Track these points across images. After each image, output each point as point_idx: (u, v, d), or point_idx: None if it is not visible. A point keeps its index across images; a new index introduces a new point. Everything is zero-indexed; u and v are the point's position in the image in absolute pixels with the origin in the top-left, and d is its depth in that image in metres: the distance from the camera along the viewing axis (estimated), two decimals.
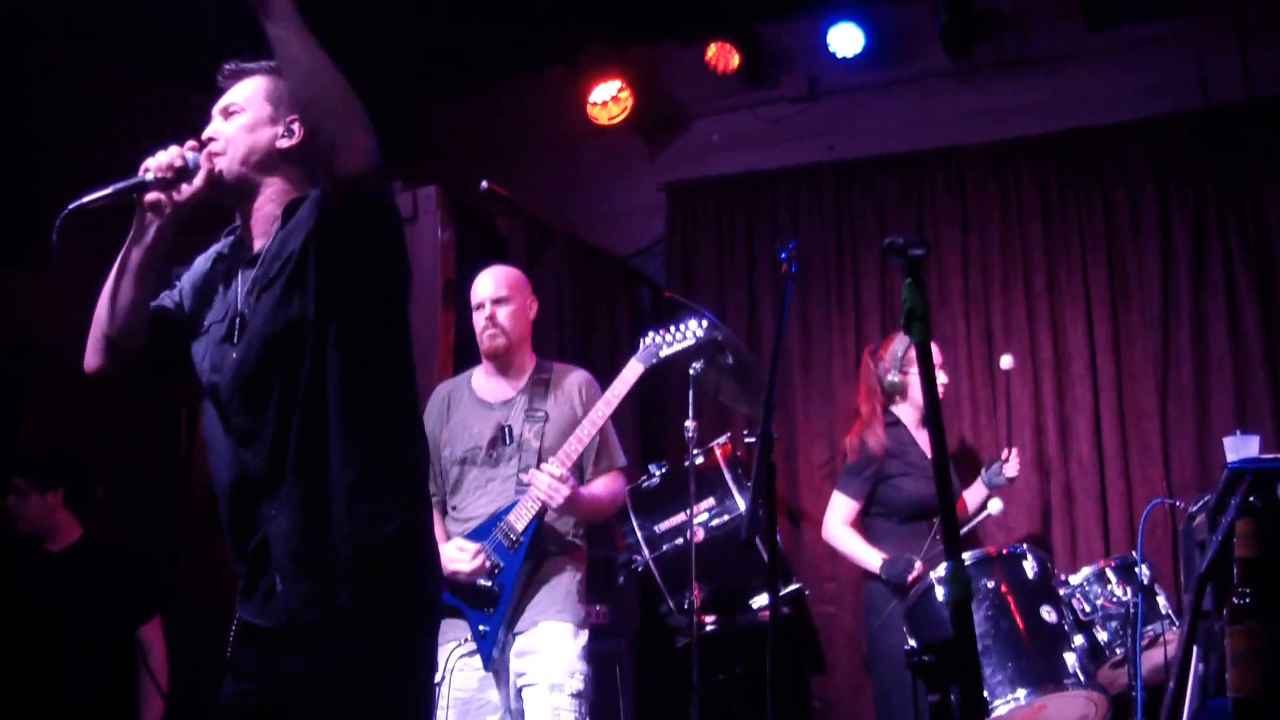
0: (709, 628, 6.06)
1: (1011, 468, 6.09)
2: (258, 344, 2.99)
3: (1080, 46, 7.16)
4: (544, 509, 4.63)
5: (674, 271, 7.98)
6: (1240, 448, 5.01)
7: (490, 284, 4.99)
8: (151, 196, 3.03)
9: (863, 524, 5.94)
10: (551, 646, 4.60)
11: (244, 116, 3.13)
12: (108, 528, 6.73)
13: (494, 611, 4.59)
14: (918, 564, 5.48)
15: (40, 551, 5.43)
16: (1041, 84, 7.27)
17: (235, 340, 3.04)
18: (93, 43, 6.99)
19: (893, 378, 5.98)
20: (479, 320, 4.97)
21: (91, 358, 3.17)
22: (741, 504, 6.02)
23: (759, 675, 6.23)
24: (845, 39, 7.46)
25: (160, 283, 3.24)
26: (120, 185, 3.01)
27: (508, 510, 4.67)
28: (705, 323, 4.97)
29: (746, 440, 6.26)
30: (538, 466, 4.67)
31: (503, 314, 4.93)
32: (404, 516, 3.00)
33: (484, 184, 6.12)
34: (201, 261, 3.33)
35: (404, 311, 3.13)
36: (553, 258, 7.23)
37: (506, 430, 4.81)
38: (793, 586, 6.25)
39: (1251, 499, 3.81)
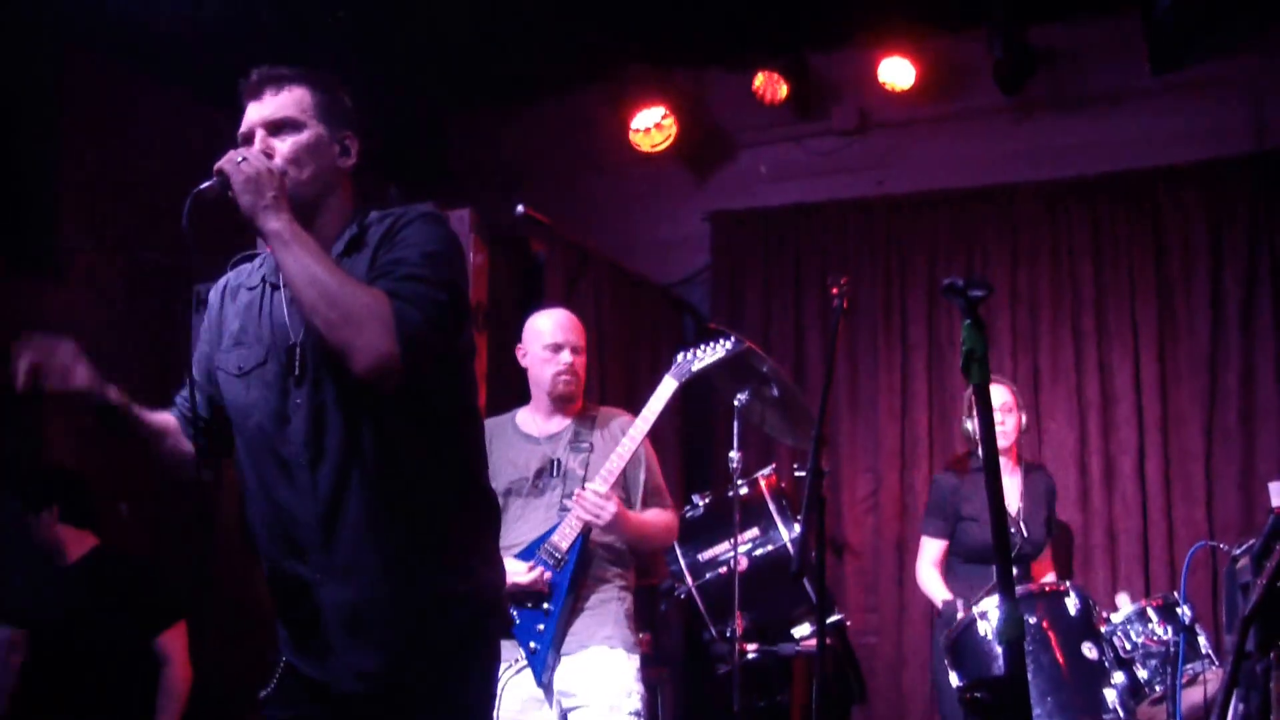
0: (750, 655, 6.10)
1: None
2: (328, 376, 2.87)
3: (1136, 87, 7.11)
4: (589, 527, 4.59)
5: (719, 302, 7.98)
6: None
7: (570, 330, 4.90)
8: None
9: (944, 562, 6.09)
10: (606, 670, 4.57)
11: (305, 134, 2.95)
12: (135, 545, 6.74)
13: (544, 629, 4.56)
14: (960, 609, 5.52)
15: (53, 567, 5.37)
16: (1094, 123, 7.24)
17: (298, 373, 2.91)
18: (104, 52, 6.87)
19: (967, 424, 6.09)
20: (555, 363, 4.82)
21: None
22: (785, 534, 6.07)
23: (800, 704, 6.27)
24: (896, 72, 7.37)
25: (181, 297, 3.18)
26: (212, 189, 2.81)
27: (550, 532, 4.63)
28: (734, 338, 4.95)
29: (796, 474, 6.30)
30: (576, 491, 4.66)
31: (579, 363, 4.86)
32: (476, 580, 3.00)
33: (520, 207, 6.05)
34: (218, 293, 3.20)
35: (471, 364, 3.11)
36: (591, 285, 7.22)
37: (555, 462, 4.76)
38: (835, 617, 6.29)
39: None
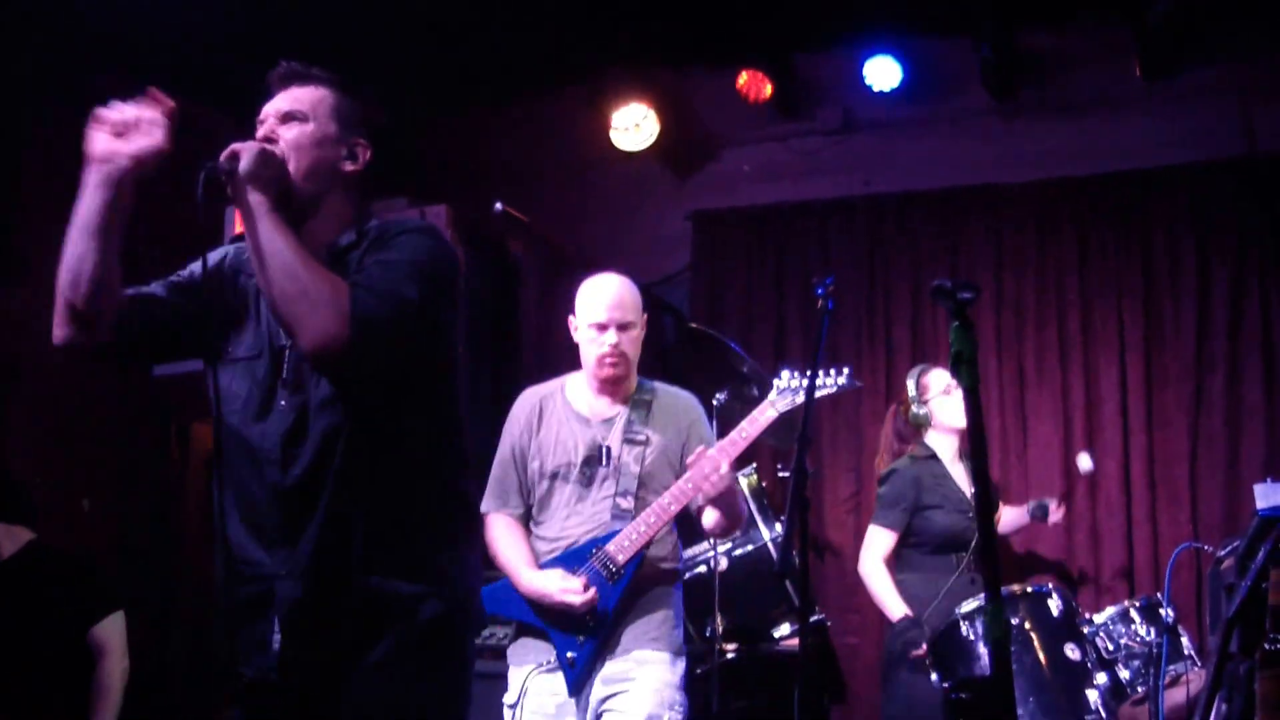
0: (730, 656, 6.09)
1: (1056, 516, 6.18)
2: (311, 382, 2.90)
3: (1125, 91, 7.10)
4: (649, 543, 4.30)
5: (699, 302, 7.93)
6: (1270, 495, 5.00)
7: (617, 304, 4.44)
8: (105, 146, 2.82)
9: (895, 553, 5.92)
10: (646, 677, 4.25)
11: (309, 127, 2.99)
12: (98, 540, 6.67)
13: (585, 641, 4.27)
14: (924, 647, 5.46)
15: None
16: (1082, 126, 7.23)
17: (285, 375, 2.94)
18: (70, 53, 6.77)
19: (916, 409, 6.01)
20: (599, 344, 4.40)
21: (57, 327, 2.91)
22: (766, 534, 6.06)
23: (779, 704, 6.25)
24: (882, 72, 7.33)
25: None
26: (220, 166, 2.82)
27: (606, 539, 4.30)
28: (849, 372, 4.65)
29: (780, 475, 6.28)
30: (636, 494, 4.33)
31: (627, 339, 4.41)
32: (448, 595, 2.96)
33: (498, 205, 6.00)
34: (234, 257, 3.15)
35: (454, 378, 3.10)
36: (569, 284, 7.18)
37: (604, 450, 4.40)
38: (816, 617, 6.28)
39: None
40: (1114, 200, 7.11)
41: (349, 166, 3.05)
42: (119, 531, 6.99)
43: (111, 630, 5.23)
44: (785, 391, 4.52)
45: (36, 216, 6.77)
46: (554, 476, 4.44)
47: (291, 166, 2.93)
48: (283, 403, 2.91)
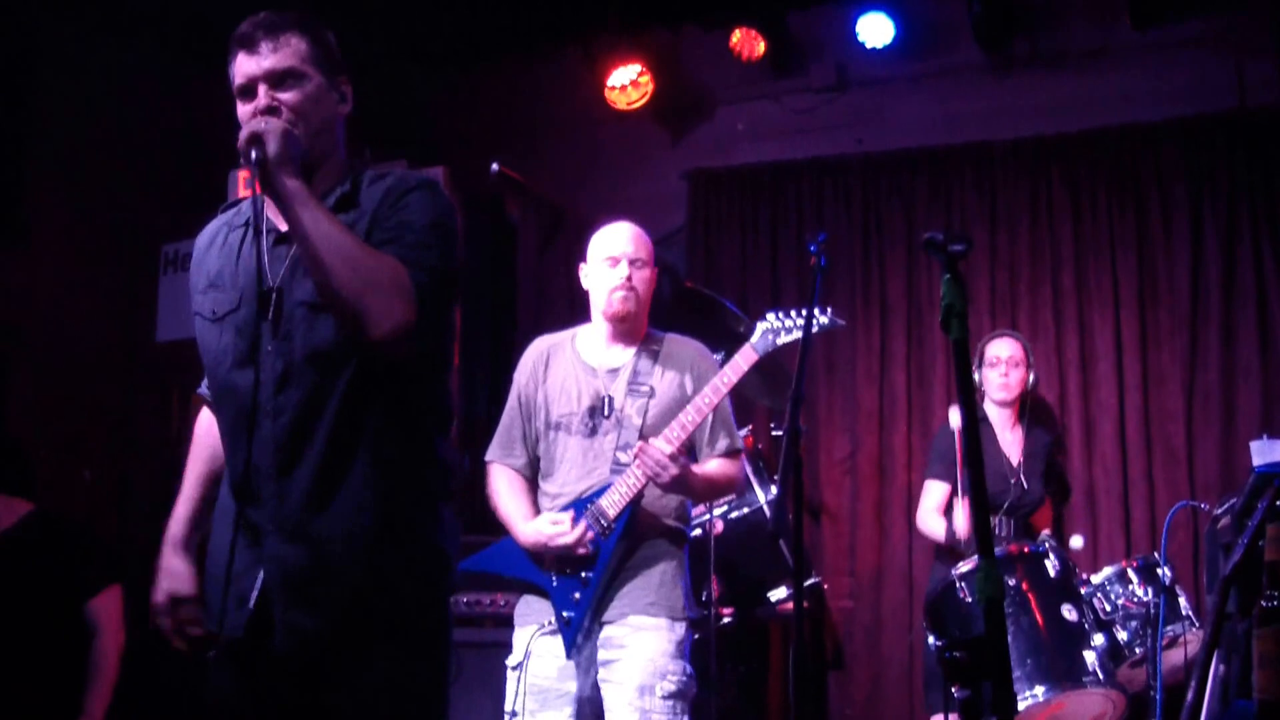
0: (726, 620, 6.07)
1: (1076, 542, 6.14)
2: (300, 330, 2.86)
3: (1117, 44, 7.06)
4: (640, 495, 4.24)
5: (695, 261, 7.89)
6: (1267, 452, 4.97)
7: (629, 240, 4.51)
8: None
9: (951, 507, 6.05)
10: (640, 645, 4.21)
11: (308, 87, 2.92)
12: (99, 512, 6.64)
13: (580, 597, 4.25)
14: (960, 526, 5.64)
15: None
16: (1075, 81, 7.19)
17: (271, 318, 2.86)
18: (78, 17, 6.78)
19: (976, 375, 6.11)
20: (610, 277, 4.43)
21: None
22: (761, 496, 6.04)
23: (776, 668, 6.25)
24: (875, 29, 7.32)
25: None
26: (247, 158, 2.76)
27: (599, 493, 4.28)
28: (829, 311, 4.54)
29: (774, 434, 6.25)
30: (638, 444, 4.25)
31: (639, 277, 4.44)
32: (425, 546, 2.97)
33: (495, 166, 5.99)
34: (205, 239, 3.16)
35: (448, 336, 3.11)
36: (566, 244, 7.16)
37: (607, 400, 4.39)
38: (812, 580, 6.26)
39: (1279, 503, 3.79)
40: (1106, 155, 7.06)
41: (343, 109, 3.03)
42: (120, 501, 6.98)
43: (109, 604, 5.19)
44: (764, 335, 4.44)
45: (40, 187, 6.75)
46: (557, 427, 4.43)
47: (300, 131, 2.86)
48: (269, 348, 2.87)
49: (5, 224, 6.59)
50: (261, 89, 2.89)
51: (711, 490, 4.53)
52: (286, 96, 2.89)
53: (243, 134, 2.75)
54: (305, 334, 2.85)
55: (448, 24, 7.68)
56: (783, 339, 4.42)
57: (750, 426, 6.24)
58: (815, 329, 4.41)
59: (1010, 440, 6.16)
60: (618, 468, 4.31)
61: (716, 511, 5.83)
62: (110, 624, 5.16)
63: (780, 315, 4.46)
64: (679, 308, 7.48)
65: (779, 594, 6.17)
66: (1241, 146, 6.77)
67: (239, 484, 2.91)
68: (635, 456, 4.21)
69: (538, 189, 6.73)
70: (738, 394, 6.42)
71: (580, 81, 7.90)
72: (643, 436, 4.29)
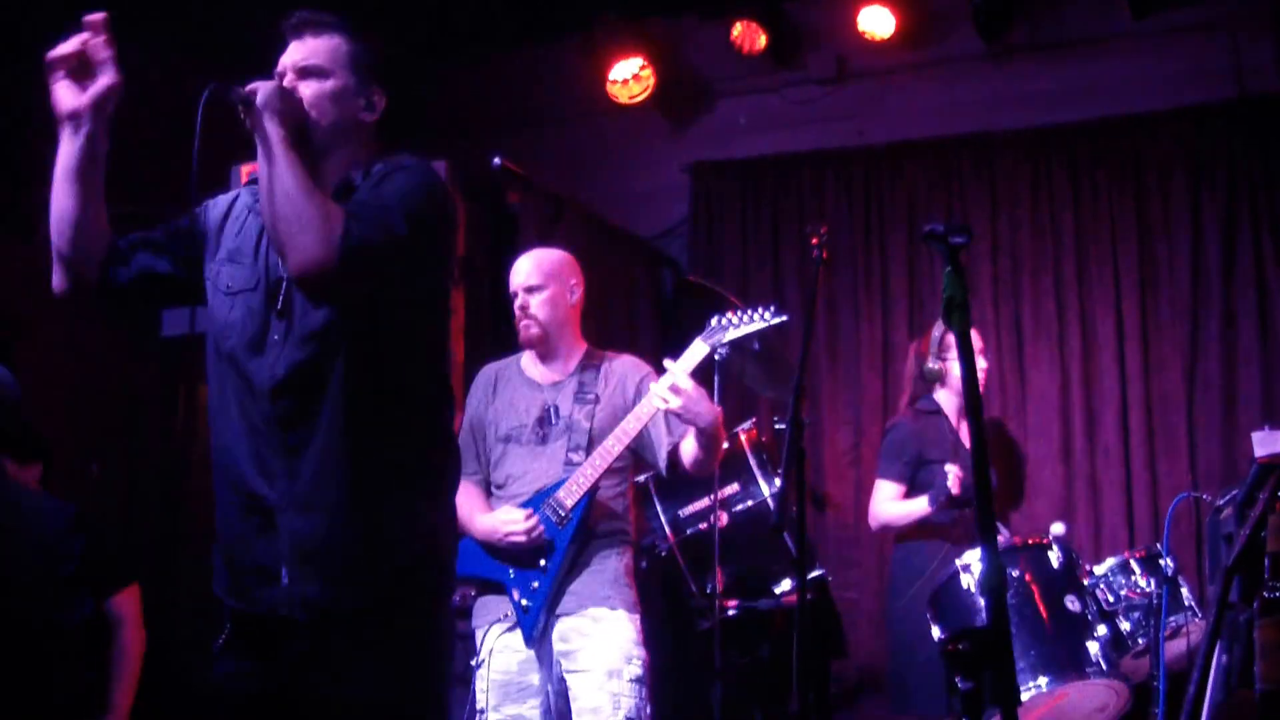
0: (731, 611, 6.07)
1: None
2: (308, 314, 2.94)
3: (1116, 32, 7.06)
4: (595, 487, 4.45)
5: (698, 254, 7.89)
6: (1268, 442, 4.97)
7: (522, 271, 4.72)
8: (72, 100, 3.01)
9: None
10: (604, 633, 4.42)
11: (330, 82, 3.03)
12: (107, 506, 6.64)
13: (538, 587, 4.44)
14: (951, 473, 5.55)
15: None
16: (1075, 69, 7.19)
17: (280, 306, 2.96)
18: (82, 6, 6.81)
19: (931, 364, 6.01)
20: (516, 311, 4.70)
21: (53, 278, 3.12)
22: (765, 489, 6.03)
23: (781, 659, 6.24)
24: (875, 20, 7.33)
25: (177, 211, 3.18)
26: (237, 93, 2.88)
27: (555, 487, 4.47)
28: (774, 307, 4.67)
29: (776, 426, 6.25)
30: (588, 449, 4.48)
31: (535, 302, 4.64)
32: (437, 514, 3.05)
33: (496, 161, 6.01)
34: (225, 203, 3.23)
35: (445, 321, 3.18)
36: (567, 236, 7.15)
37: (554, 409, 4.61)
38: (816, 572, 6.25)
39: None
40: (1106, 143, 7.07)
41: (367, 117, 3.11)
42: (127, 497, 6.98)
43: (129, 601, 5.23)
44: (713, 330, 4.62)
45: (44, 174, 6.73)
46: (508, 439, 4.66)
47: (311, 120, 2.99)
48: (276, 336, 2.95)
49: (9, 216, 6.60)
50: (288, 76, 3.02)
51: (717, 425, 4.50)
52: (304, 87, 3.00)
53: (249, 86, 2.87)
54: (302, 317, 2.94)
55: (449, 16, 7.69)
56: (730, 334, 4.60)
57: (753, 419, 6.22)
58: (763, 325, 4.62)
59: (964, 430, 5.99)
60: (570, 468, 4.51)
61: (722, 495, 5.84)
62: (132, 619, 5.21)
63: (729, 313, 4.65)
64: (681, 301, 7.50)
65: (784, 586, 6.17)
66: (1241, 134, 6.77)
67: (247, 457, 2.96)
68: (658, 395, 4.35)
69: (539, 182, 6.73)
70: (739, 388, 6.44)
71: (581, 73, 7.92)
72: (592, 440, 4.51)
